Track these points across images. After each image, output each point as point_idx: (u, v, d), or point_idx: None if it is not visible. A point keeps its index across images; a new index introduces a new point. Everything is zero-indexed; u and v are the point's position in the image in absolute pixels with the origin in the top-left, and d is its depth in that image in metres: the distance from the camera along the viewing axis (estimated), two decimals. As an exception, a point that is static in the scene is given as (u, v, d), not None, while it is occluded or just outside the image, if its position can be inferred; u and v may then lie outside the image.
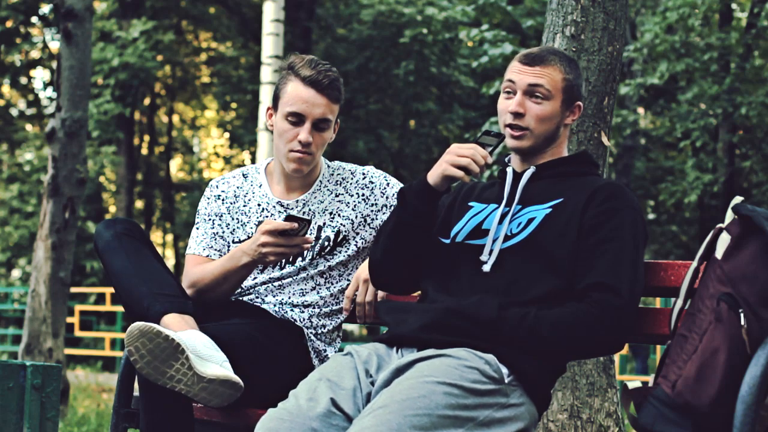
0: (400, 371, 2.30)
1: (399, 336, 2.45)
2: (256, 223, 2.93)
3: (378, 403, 2.18)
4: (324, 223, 2.91)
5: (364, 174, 2.97)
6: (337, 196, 2.94)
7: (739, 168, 17.28)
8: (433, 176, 2.50)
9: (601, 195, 2.47)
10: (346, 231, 2.91)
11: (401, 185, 2.92)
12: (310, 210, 2.92)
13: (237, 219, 2.97)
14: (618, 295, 2.34)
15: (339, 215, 2.92)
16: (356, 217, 2.92)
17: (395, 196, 2.92)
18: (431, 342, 2.38)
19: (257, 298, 2.92)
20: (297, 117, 2.82)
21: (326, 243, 2.90)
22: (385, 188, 2.96)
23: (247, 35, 20.56)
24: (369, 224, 2.94)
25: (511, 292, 2.42)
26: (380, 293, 2.86)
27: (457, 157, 2.45)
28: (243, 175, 3.03)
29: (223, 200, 3.00)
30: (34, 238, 8.83)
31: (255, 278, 2.93)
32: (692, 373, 2.18)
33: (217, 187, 3.03)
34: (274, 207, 2.94)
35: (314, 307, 2.91)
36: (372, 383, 2.34)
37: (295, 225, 2.64)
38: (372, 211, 2.94)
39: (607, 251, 2.39)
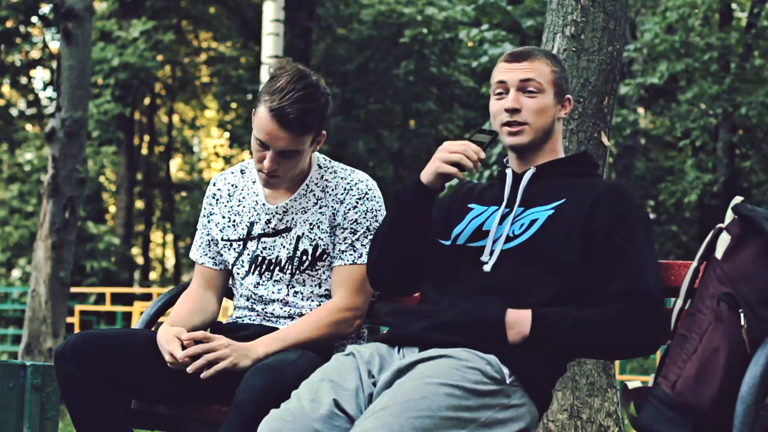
0: (401, 372, 2.29)
1: (401, 336, 2.45)
2: (248, 224, 2.91)
3: (380, 404, 2.18)
4: (303, 234, 2.84)
5: (345, 188, 2.85)
6: (317, 202, 2.85)
7: (739, 168, 17.27)
8: (426, 174, 2.47)
9: (609, 198, 2.47)
10: (324, 245, 2.83)
11: (371, 214, 2.83)
12: (292, 219, 2.85)
13: (228, 218, 2.94)
14: (649, 298, 2.34)
15: (318, 227, 2.83)
16: (330, 228, 2.84)
17: (353, 221, 2.83)
18: (433, 342, 2.37)
19: (266, 315, 2.87)
20: (262, 144, 2.74)
21: (304, 257, 2.83)
22: (349, 210, 2.84)
23: (247, 35, 20.56)
24: (337, 236, 2.85)
25: (512, 292, 2.42)
26: (212, 370, 2.65)
27: (449, 154, 2.43)
28: (241, 171, 2.99)
29: (217, 200, 2.98)
30: (34, 238, 8.83)
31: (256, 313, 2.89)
32: (692, 373, 2.18)
33: (214, 185, 3.01)
34: (261, 209, 2.88)
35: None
36: (374, 384, 2.34)
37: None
38: (338, 225, 2.83)
39: (629, 254, 2.39)
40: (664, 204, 17.50)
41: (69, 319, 13.25)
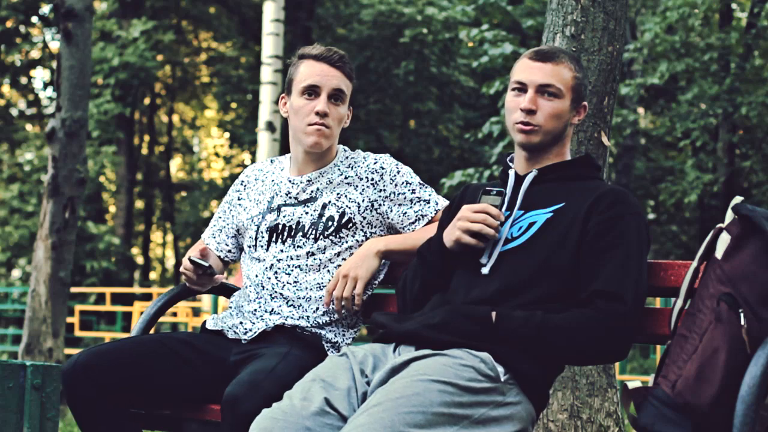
0: (395, 370, 2.31)
1: (398, 333, 2.46)
2: (269, 198, 2.97)
3: (373, 401, 2.19)
4: (329, 201, 2.92)
5: (376, 160, 2.99)
6: (346, 178, 2.96)
7: (739, 168, 17.27)
8: (448, 241, 2.53)
9: (604, 202, 2.47)
10: (351, 213, 2.91)
11: (412, 173, 2.99)
12: (317, 189, 2.94)
13: (255, 200, 3.04)
14: (623, 303, 2.34)
15: (346, 197, 2.93)
16: (363, 201, 2.93)
17: (404, 184, 2.95)
18: (430, 340, 2.38)
19: (274, 292, 2.90)
20: (312, 90, 2.90)
21: (330, 223, 2.91)
22: (395, 176, 2.96)
23: (247, 35, 20.56)
24: (376, 209, 2.94)
25: (507, 294, 2.43)
26: (358, 289, 2.84)
27: (470, 224, 2.47)
28: (271, 161, 3.14)
29: (245, 186, 3.11)
30: (34, 238, 8.85)
31: (270, 263, 2.93)
32: (692, 373, 2.18)
33: (244, 173, 3.15)
34: (284, 184, 2.99)
35: (333, 302, 2.90)
36: (368, 383, 2.35)
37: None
38: (380, 196, 2.94)
39: (612, 258, 2.39)
40: (664, 204, 17.51)
41: (69, 319, 13.26)
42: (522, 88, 2.56)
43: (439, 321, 2.41)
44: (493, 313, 2.37)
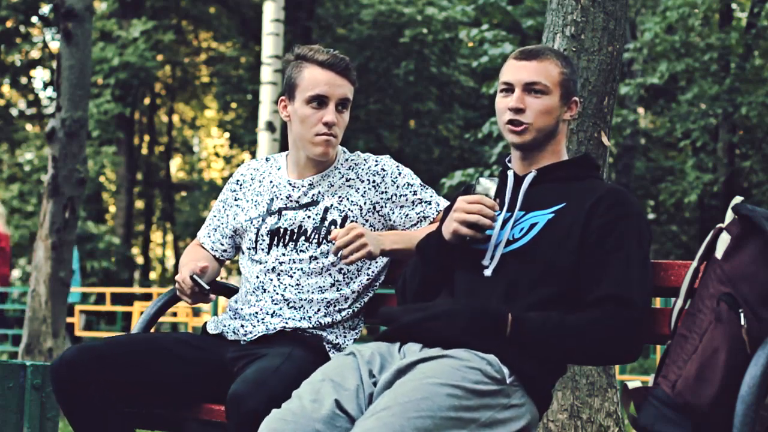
0: (401, 372, 2.29)
1: (405, 323, 2.45)
2: (269, 200, 2.96)
3: (380, 404, 2.18)
4: (331, 205, 2.91)
5: (377, 161, 2.98)
6: (347, 180, 2.94)
7: (739, 168, 17.26)
8: (446, 234, 2.53)
9: (605, 203, 2.46)
10: (353, 216, 2.90)
11: (413, 175, 2.98)
12: (318, 193, 2.93)
13: (252, 200, 3.02)
14: (633, 305, 2.34)
15: (347, 200, 2.92)
16: (365, 203, 2.92)
17: (406, 186, 2.95)
18: (435, 333, 2.37)
19: (276, 294, 2.90)
20: (320, 100, 2.86)
21: (332, 227, 2.89)
22: (396, 177, 2.95)
23: (247, 35, 20.56)
24: (378, 212, 2.94)
25: (510, 296, 2.42)
26: (361, 252, 2.77)
27: (466, 215, 2.47)
28: (266, 159, 3.11)
29: (241, 185, 3.08)
30: (34, 238, 8.83)
31: (271, 266, 2.92)
32: (692, 373, 2.18)
33: (239, 172, 3.12)
34: (284, 186, 2.97)
35: (335, 305, 2.90)
36: (375, 383, 2.34)
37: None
38: (381, 198, 2.93)
39: (616, 261, 2.38)
40: (664, 204, 17.51)
41: (69, 319, 13.25)
42: (509, 88, 2.57)
43: (450, 314, 2.39)
44: (509, 315, 2.36)
